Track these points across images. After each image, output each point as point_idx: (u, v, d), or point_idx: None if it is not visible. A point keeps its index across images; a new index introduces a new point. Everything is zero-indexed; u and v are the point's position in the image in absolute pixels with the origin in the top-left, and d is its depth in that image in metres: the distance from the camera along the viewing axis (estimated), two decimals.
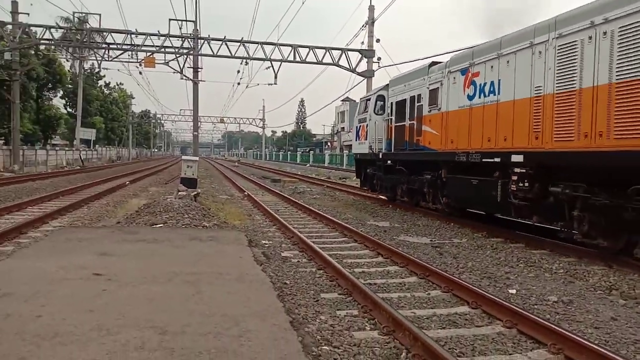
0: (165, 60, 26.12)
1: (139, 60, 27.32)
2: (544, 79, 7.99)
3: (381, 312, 4.68)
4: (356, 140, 16.74)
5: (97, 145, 54.11)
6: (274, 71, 26.62)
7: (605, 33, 6.85)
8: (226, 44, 25.73)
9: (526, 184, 8.28)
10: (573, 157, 7.41)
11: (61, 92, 49.27)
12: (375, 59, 26.18)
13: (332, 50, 26.24)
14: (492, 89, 9.39)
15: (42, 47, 33.35)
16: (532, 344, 4.23)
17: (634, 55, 6.37)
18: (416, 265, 6.71)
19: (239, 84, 34.45)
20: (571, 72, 7.45)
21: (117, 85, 73.00)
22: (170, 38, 25.33)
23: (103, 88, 65.70)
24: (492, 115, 9.37)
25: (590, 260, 7.46)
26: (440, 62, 11.84)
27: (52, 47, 31.89)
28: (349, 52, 26.28)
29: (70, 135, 49.98)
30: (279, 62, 26.26)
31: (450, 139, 10.85)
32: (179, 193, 12.72)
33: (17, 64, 28.70)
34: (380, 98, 14.69)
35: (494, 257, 7.85)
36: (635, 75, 6.37)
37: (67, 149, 42.48)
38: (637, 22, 6.34)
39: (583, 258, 7.59)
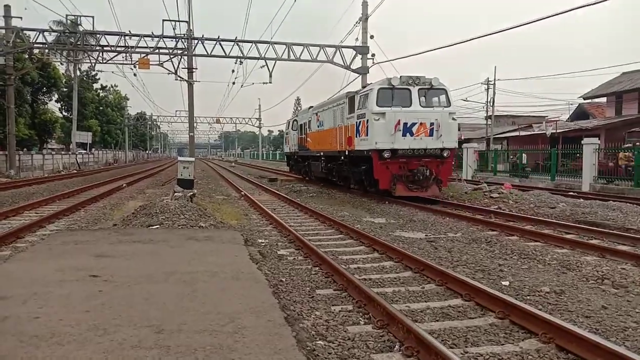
0: (159, 61, 26.06)
1: (133, 62, 27.21)
2: (333, 121, 18.28)
3: (375, 307, 4.74)
4: (284, 144, 31.30)
5: (93, 149, 54.01)
6: (269, 70, 26.57)
7: (339, 108, 17.55)
8: (220, 44, 25.61)
9: (324, 164, 20.26)
10: (335, 153, 18.17)
11: (56, 96, 49.20)
12: (369, 56, 26.14)
13: (327, 48, 26.14)
14: (322, 124, 19.99)
15: (36, 51, 33.28)
16: (524, 334, 4.30)
17: (340, 118, 17.54)
18: (411, 260, 6.78)
19: (234, 83, 34.06)
20: (335, 120, 18.10)
21: (112, 87, 72.80)
22: (164, 39, 25.25)
23: (99, 90, 65.50)
24: (322, 135, 19.94)
25: (584, 250, 7.55)
26: (313, 106, 22.25)
27: (46, 50, 31.81)
28: (343, 49, 26.16)
29: (67, 139, 49.82)
30: (274, 61, 26.23)
31: (314, 145, 21.43)
32: (175, 194, 12.74)
33: (12, 69, 28.59)
34: (295, 121, 26.06)
35: (488, 249, 7.92)
36: (339, 125, 17.62)
37: (63, 152, 42.39)
38: (343, 105, 17.11)
39: (576, 249, 7.68)
